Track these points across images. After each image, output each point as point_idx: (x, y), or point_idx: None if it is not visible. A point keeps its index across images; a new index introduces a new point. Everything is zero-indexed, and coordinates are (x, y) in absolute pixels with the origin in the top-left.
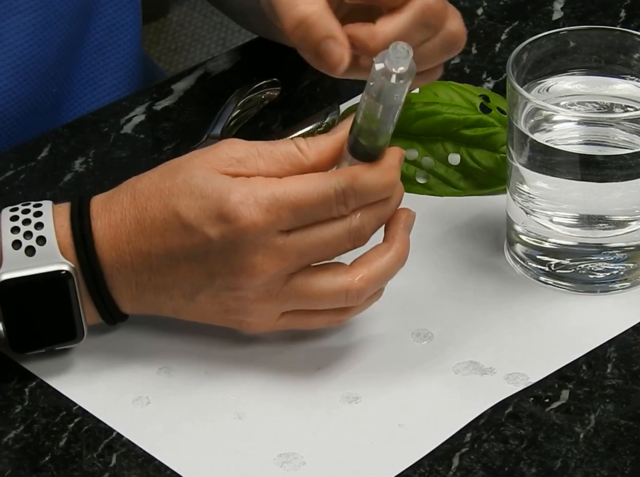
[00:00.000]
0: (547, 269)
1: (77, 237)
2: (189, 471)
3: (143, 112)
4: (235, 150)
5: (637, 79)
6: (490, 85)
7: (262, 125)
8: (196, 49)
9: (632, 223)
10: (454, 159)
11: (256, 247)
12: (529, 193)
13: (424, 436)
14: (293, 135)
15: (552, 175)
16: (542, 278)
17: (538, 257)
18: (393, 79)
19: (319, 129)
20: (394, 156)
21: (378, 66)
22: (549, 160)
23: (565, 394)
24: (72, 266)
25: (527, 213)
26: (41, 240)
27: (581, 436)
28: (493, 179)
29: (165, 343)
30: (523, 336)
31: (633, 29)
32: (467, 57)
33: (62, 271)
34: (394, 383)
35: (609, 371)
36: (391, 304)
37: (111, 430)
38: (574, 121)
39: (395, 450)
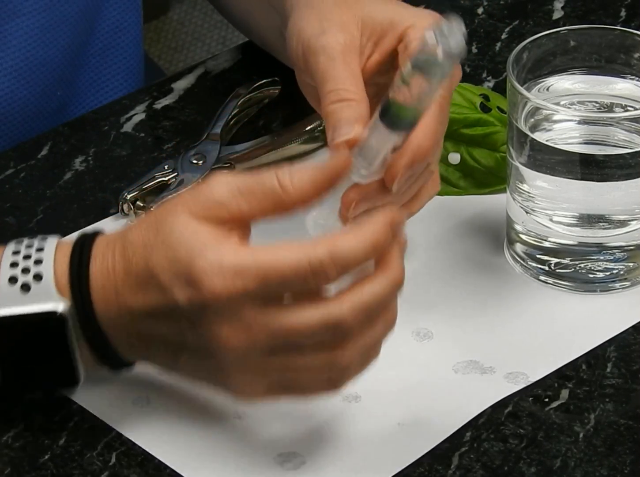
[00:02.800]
0: (546, 268)
1: (73, 277)
2: (189, 470)
3: (143, 110)
4: (217, 192)
5: (637, 78)
6: (491, 84)
7: (262, 124)
8: (196, 47)
9: (632, 222)
10: (454, 158)
11: (221, 318)
12: (528, 192)
13: (423, 435)
14: (292, 140)
15: (552, 175)
16: (542, 277)
17: (538, 256)
18: (443, 55)
19: (318, 128)
20: (382, 218)
21: (429, 39)
22: (549, 160)
23: (564, 394)
24: (68, 304)
25: (527, 212)
26: (37, 277)
27: (581, 435)
28: (493, 178)
29: None
30: (523, 335)
31: (633, 29)
32: (467, 56)
33: (57, 311)
34: (393, 382)
35: (608, 370)
36: None
37: (111, 429)
38: (574, 120)
39: (394, 449)
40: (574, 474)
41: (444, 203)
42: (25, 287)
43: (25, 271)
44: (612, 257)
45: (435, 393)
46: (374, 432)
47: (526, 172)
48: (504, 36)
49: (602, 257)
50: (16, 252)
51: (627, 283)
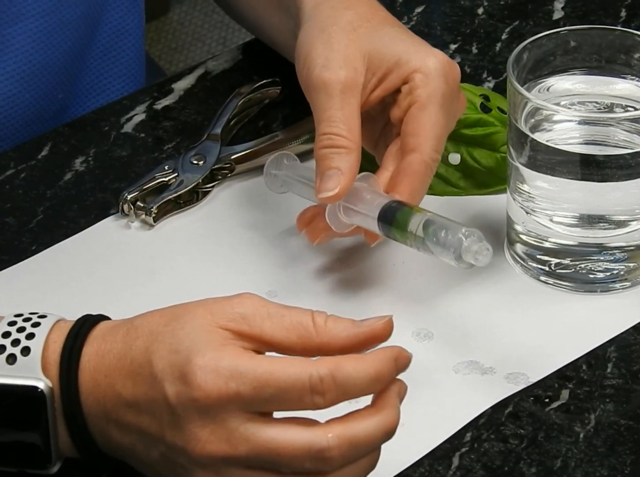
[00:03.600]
0: (547, 268)
1: (64, 356)
2: None
3: (143, 111)
4: (244, 306)
5: (637, 78)
6: (491, 84)
7: (262, 124)
8: (197, 47)
9: (632, 223)
10: (454, 158)
11: (204, 421)
12: (529, 193)
13: (424, 435)
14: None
15: (553, 175)
16: (542, 278)
17: (538, 256)
18: (459, 262)
19: None
20: (389, 352)
21: (460, 239)
22: (549, 160)
23: (565, 394)
24: (50, 385)
25: (527, 213)
26: (25, 351)
27: (581, 435)
28: (493, 179)
29: None
30: (523, 335)
31: (633, 29)
32: (467, 56)
33: (38, 388)
34: None
35: (609, 370)
36: (392, 304)
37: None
38: (575, 121)
39: (395, 449)
40: (574, 475)
41: (444, 203)
42: (12, 359)
43: (16, 342)
44: (612, 258)
45: (435, 393)
46: None
47: (526, 172)
48: (504, 36)
49: (602, 258)
50: (12, 323)
51: (628, 283)
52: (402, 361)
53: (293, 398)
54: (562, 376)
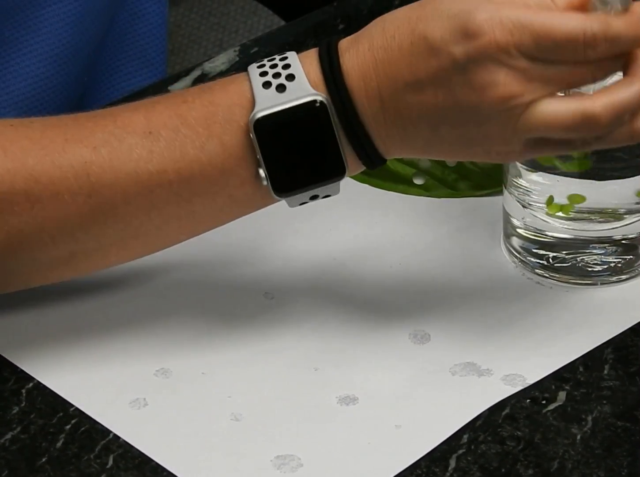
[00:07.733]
0: (544, 262)
1: (326, 71)
2: (186, 472)
3: None
4: None
5: None
6: None
7: None
8: (193, 49)
9: (628, 216)
10: (451, 160)
11: (500, 64)
12: (525, 187)
13: (421, 437)
14: None
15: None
16: (539, 271)
17: (534, 250)
18: None
19: None
20: None
21: None
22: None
23: (562, 396)
24: (325, 96)
25: (523, 206)
26: (290, 77)
27: (578, 437)
28: (489, 181)
29: (163, 344)
30: (520, 336)
31: None
32: None
33: (316, 101)
34: (391, 384)
35: (605, 372)
36: (388, 305)
37: (108, 431)
38: None
39: (392, 451)
40: (571, 476)
41: (439, 204)
42: (281, 88)
43: (277, 75)
44: (608, 251)
45: (432, 395)
46: (371, 435)
47: (522, 166)
48: None
49: (599, 251)
50: (261, 66)
51: (624, 276)
52: None
53: (568, 51)
54: (559, 377)
